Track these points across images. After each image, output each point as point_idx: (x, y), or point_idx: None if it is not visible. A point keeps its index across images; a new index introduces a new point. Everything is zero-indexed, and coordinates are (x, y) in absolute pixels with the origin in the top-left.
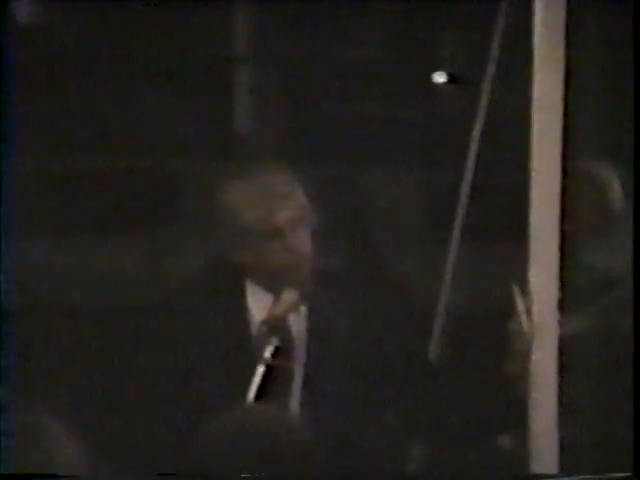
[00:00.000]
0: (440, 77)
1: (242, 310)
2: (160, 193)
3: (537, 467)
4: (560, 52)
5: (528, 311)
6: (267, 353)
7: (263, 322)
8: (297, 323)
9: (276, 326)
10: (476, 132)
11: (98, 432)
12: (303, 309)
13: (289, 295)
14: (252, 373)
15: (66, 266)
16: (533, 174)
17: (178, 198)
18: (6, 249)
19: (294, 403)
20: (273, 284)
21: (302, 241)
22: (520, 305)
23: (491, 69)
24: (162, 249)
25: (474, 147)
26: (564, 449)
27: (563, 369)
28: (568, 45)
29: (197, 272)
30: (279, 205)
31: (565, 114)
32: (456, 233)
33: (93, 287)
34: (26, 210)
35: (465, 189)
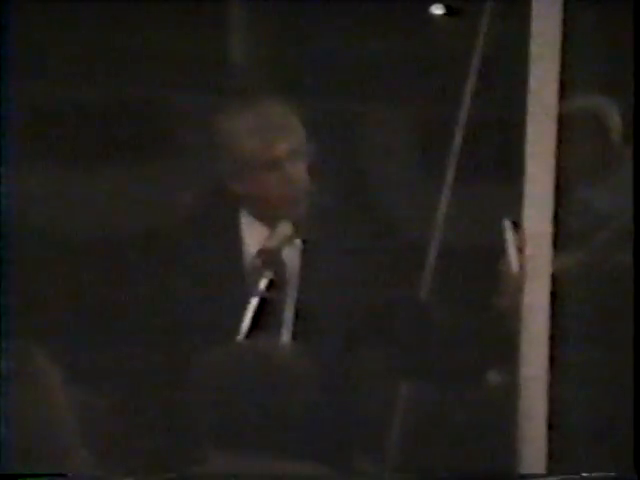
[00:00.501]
0: (438, 9)
1: (237, 242)
2: (156, 124)
3: (525, 403)
4: None
5: (521, 249)
6: (261, 286)
7: (257, 254)
8: (291, 256)
9: (270, 259)
10: (473, 67)
11: (86, 365)
12: (297, 242)
13: (284, 227)
14: (245, 306)
15: (62, 197)
16: (529, 109)
17: (174, 129)
18: (6, 180)
19: (286, 336)
20: (268, 216)
21: (299, 173)
22: (510, 242)
23: (489, 1)
24: (158, 180)
25: (470, 82)
26: (554, 385)
27: (555, 306)
28: None
29: (192, 203)
30: (276, 136)
31: (563, 49)
32: (450, 170)
33: (90, 217)
34: (23, 141)
35: (461, 124)
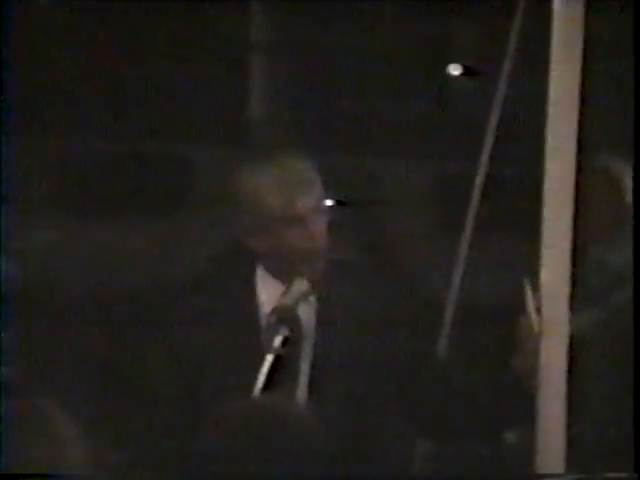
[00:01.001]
0: (455, 69)
1: (252, 298)
2: (175, 178)
3: (544, 464)
4: (578, 48)
5: (538, 307)
6: (276, 343)
7: (273, 311)
8: (306, 313)
9: (286, 316)
10: (491, 125)
11: (99, 420)
12: (313, 299)
13: (300, 284)
14: (260, 363)
15: (77, 250)
16: (547, 169)
17: (192, 183)
18: (14, 233)
19: (301, 394)
20: (285, 272)
21: (320, 229)
22: (530, 301)
23: (508, 62)
24: (175, 235)
25: (489, 140)
26: (572, 446)
27: (573, 366)
28: (586, 41)
29: (208, 258)
30: (297, 192)
31: (581, 109)
32: (468, 226)
33: (105, 271)
34: (39, 194)
35: (479, 182)
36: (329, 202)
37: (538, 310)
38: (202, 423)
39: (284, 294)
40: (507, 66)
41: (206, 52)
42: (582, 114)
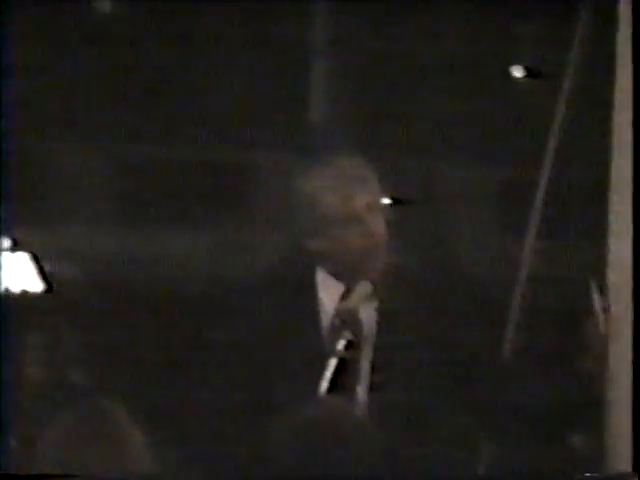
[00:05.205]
0: (518, 71)
1: (313, 301)
2: (236, 183)
3: (612, 467)
4: None
5: (605, 310)
6: (340, 346)
7: (336, 314)
8: (368, 315)
9: (349, 319)
10: (555, 128)
11: (162, 424)
12: (374, 301)
13: (363, 287)
14: (323, 364)
15: (139, 256)
16: (612, 171)
17: (252, 187)
18: (77, 238)
19: (362, 396)
20: (345, 273)
21: (378, 227)
22: (597, 303)
23: (572, 64)
24: (236, 240)
25: (552, 143)
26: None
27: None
28: None
29: (270, 261)
30: (354, 190)
31: None
32: (532, 229)
33: (167, 277)
34: (99, 199)
35: (542, 185)
36: (386, 200)
37: (605, 312)
38: (267, 425)
39: (346, 296)
40: (571, 68)
41: (266, 55)
42: None
